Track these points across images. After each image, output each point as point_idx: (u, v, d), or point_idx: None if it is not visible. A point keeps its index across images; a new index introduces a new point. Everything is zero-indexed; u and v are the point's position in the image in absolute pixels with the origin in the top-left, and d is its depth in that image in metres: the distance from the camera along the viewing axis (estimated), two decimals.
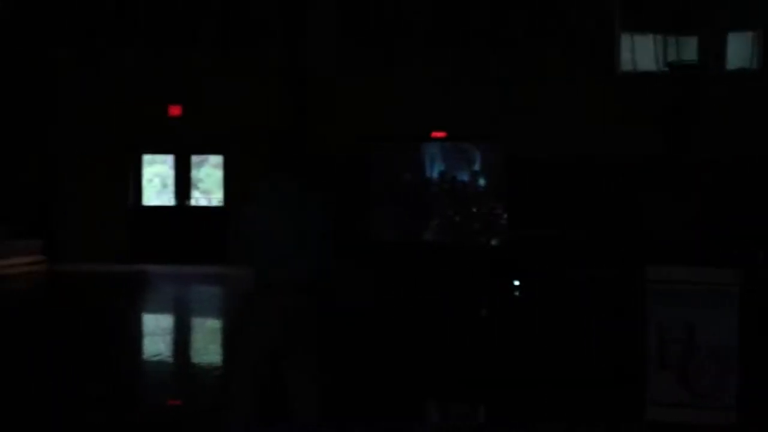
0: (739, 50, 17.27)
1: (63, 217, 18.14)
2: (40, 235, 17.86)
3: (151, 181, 18.50)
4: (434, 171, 17.89)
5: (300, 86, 17.82)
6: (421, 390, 7.51)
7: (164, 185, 18.51)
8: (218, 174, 18.27)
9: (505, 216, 17.42)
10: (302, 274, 4.94)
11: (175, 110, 17.81)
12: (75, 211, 17.91)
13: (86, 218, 17.65)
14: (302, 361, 4.99)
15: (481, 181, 17.90)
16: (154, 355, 8.98)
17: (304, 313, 4.96)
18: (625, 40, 17.74)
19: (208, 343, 10.20)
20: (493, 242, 17.31)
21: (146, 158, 18.44)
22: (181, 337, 10.85)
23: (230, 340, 9.66)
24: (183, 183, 18.32)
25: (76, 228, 17.85)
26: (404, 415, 6.67)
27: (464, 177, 17.89)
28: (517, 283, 15.11)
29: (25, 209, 18.04)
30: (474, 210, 17.76)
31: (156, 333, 10.78)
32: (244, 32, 17.90)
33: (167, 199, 18.44)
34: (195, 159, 18.43)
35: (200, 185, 18.58)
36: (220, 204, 18.13)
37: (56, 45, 18.20)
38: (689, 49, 17.52)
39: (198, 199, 18.48)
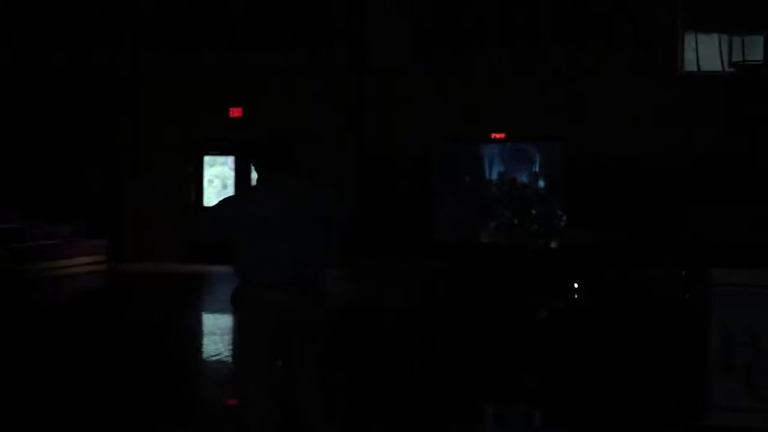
0: None
1: (125, 217, 18.40)
2: (104, 235, 18.13)
3: (211, 182, 18.64)
4: (494, 172, 17.76)
5: (361, 86, 17.82)
6: (480, 395, 7.42)
7: (224, 186, 18.64)
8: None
9: (564, 217, 17.22)
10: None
11: (236, 112, 17.96)
12: (137, 212, 18.13)
13: (148, 219, 17.85)
14: (357, 364, 4.85)
15: (541, 182, 17.72)
16: (213, 355, 9.02)
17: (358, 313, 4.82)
18: (689, 40, 17.45)
19: None
20: (552, 244, 17.10)
21: (207, 159, 18.60)
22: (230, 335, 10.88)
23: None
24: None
25: (138, 228, 18.07)
26: (458, 421, 6.59)
27: (523, 178, 17.73)
28: (576, 285, 14.89)
29: (90, 209, 18.33)
30: (533, 211, 17.58)
31: (215, 332, 10.83)
32: (304, 32, 17.96)
33: None
34: None
35: None
36: None
37: (119, 47, 18.47)
38: (754, 48, 17.17)
39: None
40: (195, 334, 10.90)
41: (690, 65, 17.40)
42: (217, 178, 18.67)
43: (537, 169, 17.74)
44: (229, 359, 8.78)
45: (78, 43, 18.45)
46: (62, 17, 18.46)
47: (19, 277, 14.84)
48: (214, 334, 10.65)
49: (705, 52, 17.42)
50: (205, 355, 9.22)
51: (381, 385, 7.62)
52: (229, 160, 18.57)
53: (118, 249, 18.21)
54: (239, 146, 18.02)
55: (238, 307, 4.73)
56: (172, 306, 12.95)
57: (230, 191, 18.43)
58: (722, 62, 17.23)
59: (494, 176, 17.77)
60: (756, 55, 17.13)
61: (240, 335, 4.81)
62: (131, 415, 6.45)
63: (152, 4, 18.43)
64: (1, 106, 18.21)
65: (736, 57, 17.18)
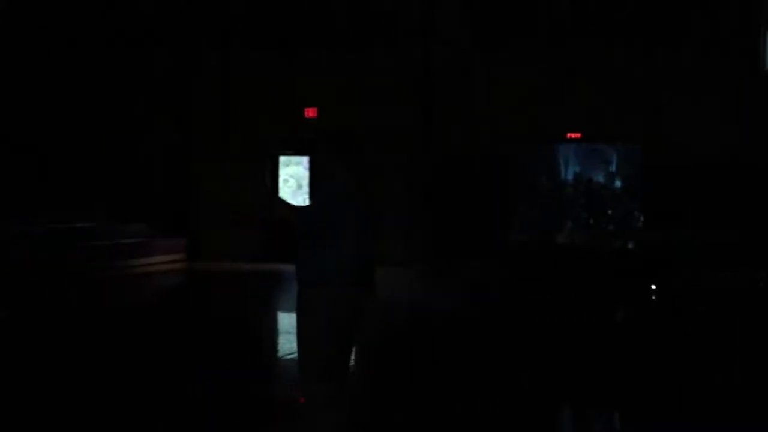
0: None
1: (203, 216, 18.62)
2: (183, 235, 18.38)
3: (286, 181, 18.75)
4: (569, 172, 17.51)
5: (434, 86, 17.74)
6: (559, 399, 7.27)
7: (299, 186, 18.73)
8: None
9: (641, 218, 16.91)
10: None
11: (310, 112, 18.03)
12: (214, 211, 18.33)
13: (224, 218, 18.02)
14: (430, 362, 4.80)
15: (617, 183, 17.43)
16: (289, 353, 9.02)
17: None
18: None
19: None
20: (629, 245, 16.80)
21: (282, 159, 18.70)
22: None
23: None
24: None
25: (215, 227, 18.27)
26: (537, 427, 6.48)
27: (600, 178, 17.46)
28: (654, 287, 14.58)
29: (170, 209, 18.60)
30: (609, 212, 17.30)
31: (290, 331, 10.85)
32: (378, 32, 17.95)
33: (302, 199, 18.65)
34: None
35: None
36: None
37: (195, 48, 18.70)
38: None
39: None
40: (271, 332, 10.94)
41: None
42: (292, 177, 18.76)
43: (613, 169, 17.44)
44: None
45: (152, 44, 18.73)
46: (133, 19, 18.77)
47: (100, 275, 15.10)
48: (289, 332, 10.66)
49: None
50: (280, 354, 9.23)
51: (453, 386, 7.52)
52: (304, 160, 18.64)
53: (195, 248, 18.45)
54: (309, 143, 18.12)
55: (309, 307, 4.70)
56: (249, 304, 13.04)
57: (305, 191, 18.51)
58: None
59: (570, 176, 17.52)
60: None
61: (313, 335, 4.76)
62: (210, 412, 6.46)
63: (227, 5, 18.62)
64: (80, 110, 18.57)
65: None
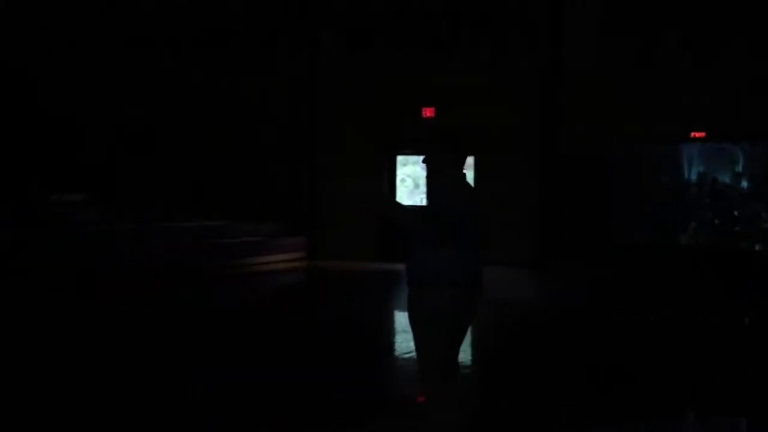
0: None
1: (324, 215, 18.82)
2: (304, 233, 18.61)
3: (403, 181, 18.77)
4: (693, 172, 16.99)
5: (552, 85, 17.47)
6: (680, 404, 7.03)
7: (416, 185, 18.73)
8: (469, 175, 18.21)
9: None
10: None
11: (428, 111, 18.00)
12: (334, 210, 18.50)
13: (344, 217, 18.16)
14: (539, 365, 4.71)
15: (743, 183, 16.79)
16: (407, 352, 9.00)
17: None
18: None
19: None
20: (757, 246, 16.19)
21: (399, 159, 18.73)
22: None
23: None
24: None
25: (335, 226, 18.44)
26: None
27: (725, 178, 16.86)
28: None
29: (289, 208, 18.87)
30: (735, 213, 16.69)
31: (407, 330, 10.84)
32: (497, 33, 17.78)
33: (419, 199, 18.64)
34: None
35: None
36: None
37: (316, 48, 18.90)
38: None
39: None
40: (389, 330, 10.95)
41: None
42: (409, 177, 18.77)
43: (740, 168, 16.82)
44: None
45: (269, 45, 19.04)
46: (252, 19, 19.10)
47: (226, 271, 15.43)
48: (407, 331, 10.65)
49: None
50: (398, 352, 9.22)
51: (563, 387, 7.36)
52: (421, 160, 18.60)
53: (314, 246, 18.67)
54: (422, 141, 18.05)
55: (422, 307, 4.67)
56: (367, 303, 13.10)
57: (421, 190, 18.50)
58: None
59: (694, 177, 16.99)
60: None
61: (427, 335, 4.73)
62: (330, 410, 6.49)
63: (346, 4, 18.75)
64: (204, 111, 19.05)
65: None
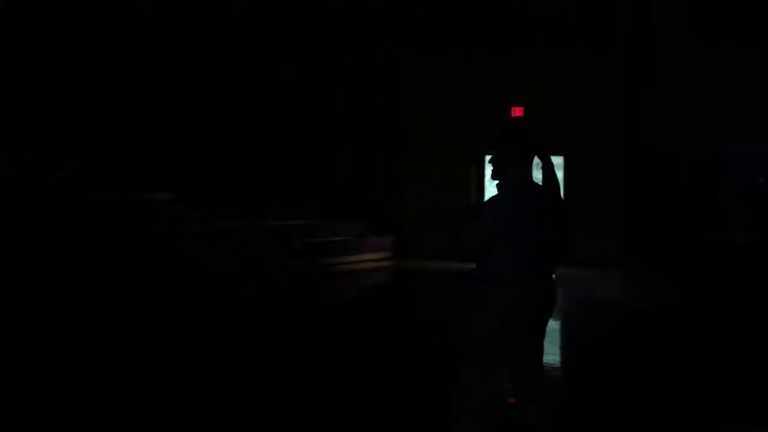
0: None
1: (411, 214, 18.72)
2: (392, 233, 18.54)
3: (492, 181, 18.54)
4: None
5: (640, 84, 17.03)
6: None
7: None
8: (559, 175, 17.91)
9: None
10: None
11: (517, 111, 17.75)
12: (421, 209, 18.39)
13: (428, 217, 18.05)
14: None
15: None
16: None
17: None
18: None
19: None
20: None
21: (488, 158, 18.49)
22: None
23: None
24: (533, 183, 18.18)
25: (421, 226, 18.33)
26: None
27: None
28: None
29: (382, 207, 18.82)
30: None
31: None
32: (584, 30, 17.45)
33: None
34: (536, 160, 18.21)
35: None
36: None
37: (402, 47, 18.78)
38: None
39: None
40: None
41: None
42: None
43: None
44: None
45: (363, 44, 19.03)
46: (331, 19, 19.13)
47: (314, 270, 15.48)
48: None
49: None
50: None
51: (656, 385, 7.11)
52: None
53: (400, 246, 18.57)
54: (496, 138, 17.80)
55: (481, 302, 4.66)
56: (451, 302, 12.96)
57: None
58: None
59: None
60: None
61: (482, 328, 4.69)
62: (420, 411, 6.41)
63: (432, 4, 18.60)
64: (291, 110, 19.14)
65: None
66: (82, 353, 8.27)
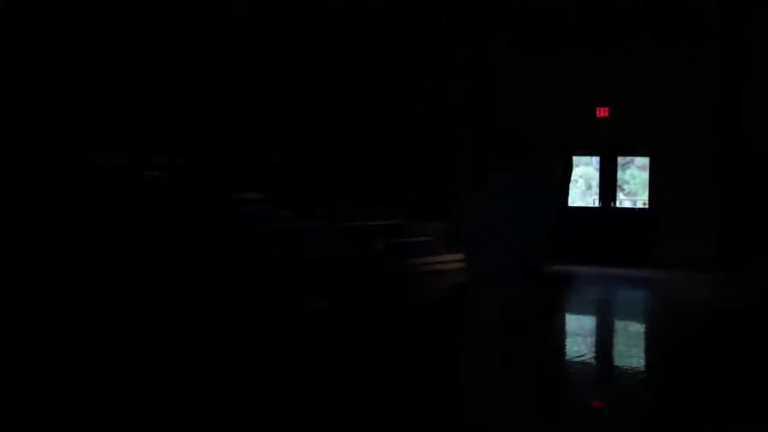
0: None
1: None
2: None
3: (576, 182, 18.23)
4: None
5: (734, 83, 16.48)
6: None
7: (588, 186, 18.16)
8: (644, 176, 17.53)
9: None
10: None
11: (602, 111, 17.40)
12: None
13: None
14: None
15: None
16: (577, 356, 8.65)
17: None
18: None
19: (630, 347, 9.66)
20: None
21: (573, 159, 18.19)
22: (607, 338, 10.40)
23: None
24: (608, 184, 17.83)
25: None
26: None
27: None
28: None
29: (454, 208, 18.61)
30: None
31: (578, 333, 10.46)
32: (671, 30, 16.99)
33: (591, 200, 18.07)
34: (620, 161, 17.87)
35: (625, 187, 17.96)
36: (645, 206, 17.41)
37: (488, 48, 18.54)
38: None
39: (622, 201, 17.90)
40: (559, 333, 10.57)
41: None
42: (582, 177, 18.22)
43: None
44: (593, 361, 8.38)
45: (439, 43, 18.89)
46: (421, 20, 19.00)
47: (398, 270, 15.41)
48: (578, 335, 10.28)
49: None
50: (568, 356, 8.87)
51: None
52: (594, 160, 18.04)
53: None
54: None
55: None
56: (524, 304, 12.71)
57: (594, 191, 17.92)
58: None
59: None
60: None
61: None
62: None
63: (520, 5, 18.33)
64: (379, 114, 19.10)
65: None
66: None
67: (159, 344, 8.44)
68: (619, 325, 11.56)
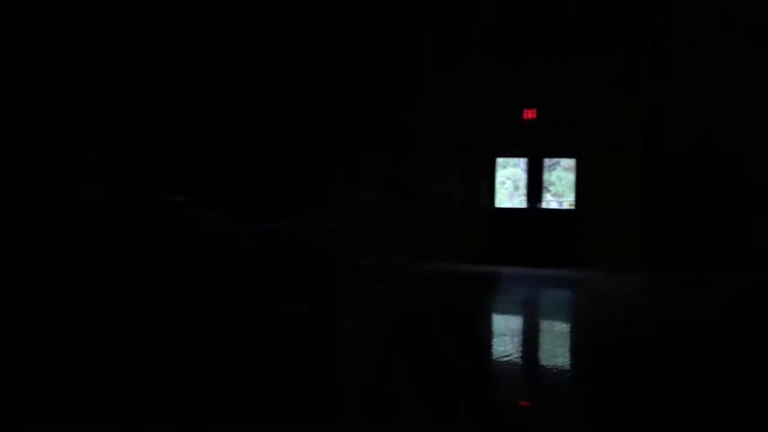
0: None
1: (421, 218, 18.26)
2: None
3: (503, 183, 18.10)
4: None
5: (657, 84, 16.52)
6: None
7: (516, 187, 18.03)
8: (570, 177, 17.47)
9: None
10: None
11: (529, 113, 17.28)
12: (431, 213, 17.96)
13: (441, 219, 17.65)
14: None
15: None
16: (504, 355, 8.37)
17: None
18: None
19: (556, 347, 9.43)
20: None
21: (499, 161, 18.04)
22: (531, 338, 10.17)
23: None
24: (535, 186, 17.72)
25: (432, 229, 17.90)
26: None
27: None
28: None
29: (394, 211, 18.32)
30: None
31: (505, 333, 10.22)
32: (594, 33, 16.95)
33: (519, 201, 17.93)
34: (547, 162, 17.78)
35: (552, 188, 17.87)
36: (572, 207, 17.35)
37: (416, 48, 18.29)
38: None
39: (549, 202, 17.81)
40: (484, 333, 10.33)
41: None
42: (509, 179, 18.08)
43: None
44: (519, 360, 8.11)
45: (361, 45, 18.53)
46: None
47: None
48: (504, 335, 10.04)
49: None
50: (495, 356, 8.59)
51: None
52: (522, 162, 17.92)
53: (423, 247, 18.03)
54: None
55: None
56: (465, 305, 12.51)
57: (522, 192, 17.80)
58: None
59: None
60: None
61: None
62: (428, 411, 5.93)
63: (449, 6, 18.09)
64: (288, 112, 18.68)
65: None
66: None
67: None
68: (545, 325, 11.35)
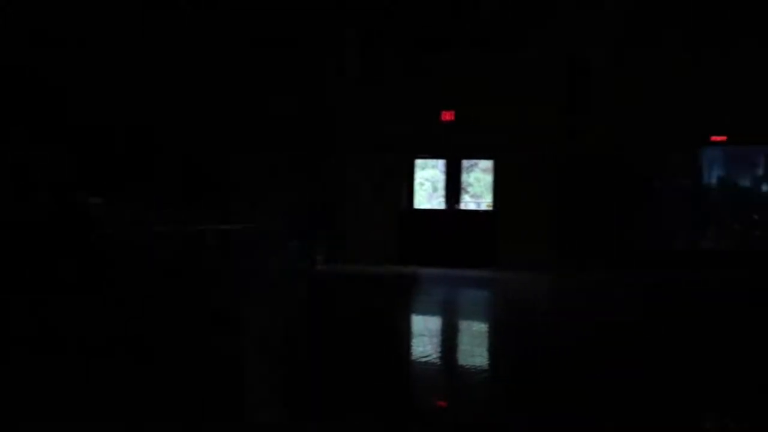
0: None
1: (341, 219, 18.22)
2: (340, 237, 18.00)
3: (422, 184, 18.19)
4: (713, 176, 16.33)
5: (572, 85, 16.78)
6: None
7: (435, 189, 18.14)
8: (488, 178, 17.65)
9: None
10: None
11: (447, 115, 17.40)
12: (351, 214, 17.93)
13: (361, 221, 17.63)
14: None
15: (765, 187, 16.13)
16: (423, 356, 8.37)
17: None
18: None
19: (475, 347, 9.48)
20: None
21: (418, 163, 18.13)
22: (449, 338, 10.21)
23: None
24: (453, 187, 17.85)
25: (352, 230, 17.86)
26: None
27: (746, 182, 16.19)
28: None
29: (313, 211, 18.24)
30: (755, 216, 16.02)
31: (424, 334, 10.23)
32: (513, 32, 17.15)
33: (438, 202, 18.03)
34: (465, 163, 17.93)
35: (470, 189, 18.03)
36: (489, 208, 17.52)
37: (332, 48, 18.20)
38: None
39: (467, 203, 17.96)
40: (404, 335, 10.32)
41: None
42: (428, 180, 18.18)
43: (761, 172, 16.14)
44: (438, 361, 8.12)
45: (274, 44, 18.37)
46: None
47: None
48: (423, 335, 10.05)
49: None
50: (414, 356, 8.58)
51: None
52: (440, 163, 18.03)
53: (334, 250, 18.05)
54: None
55: None
56: (376, 305, 12.49)
57: (440, 194, 17.90)
58: None
59: (714, 180, 16.30)
60: None
61: None
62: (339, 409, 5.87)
63: (366, 7, 18.02)
64: (197, 111, 18.43)
65: None
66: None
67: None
68: (464, 325, 11.40)
